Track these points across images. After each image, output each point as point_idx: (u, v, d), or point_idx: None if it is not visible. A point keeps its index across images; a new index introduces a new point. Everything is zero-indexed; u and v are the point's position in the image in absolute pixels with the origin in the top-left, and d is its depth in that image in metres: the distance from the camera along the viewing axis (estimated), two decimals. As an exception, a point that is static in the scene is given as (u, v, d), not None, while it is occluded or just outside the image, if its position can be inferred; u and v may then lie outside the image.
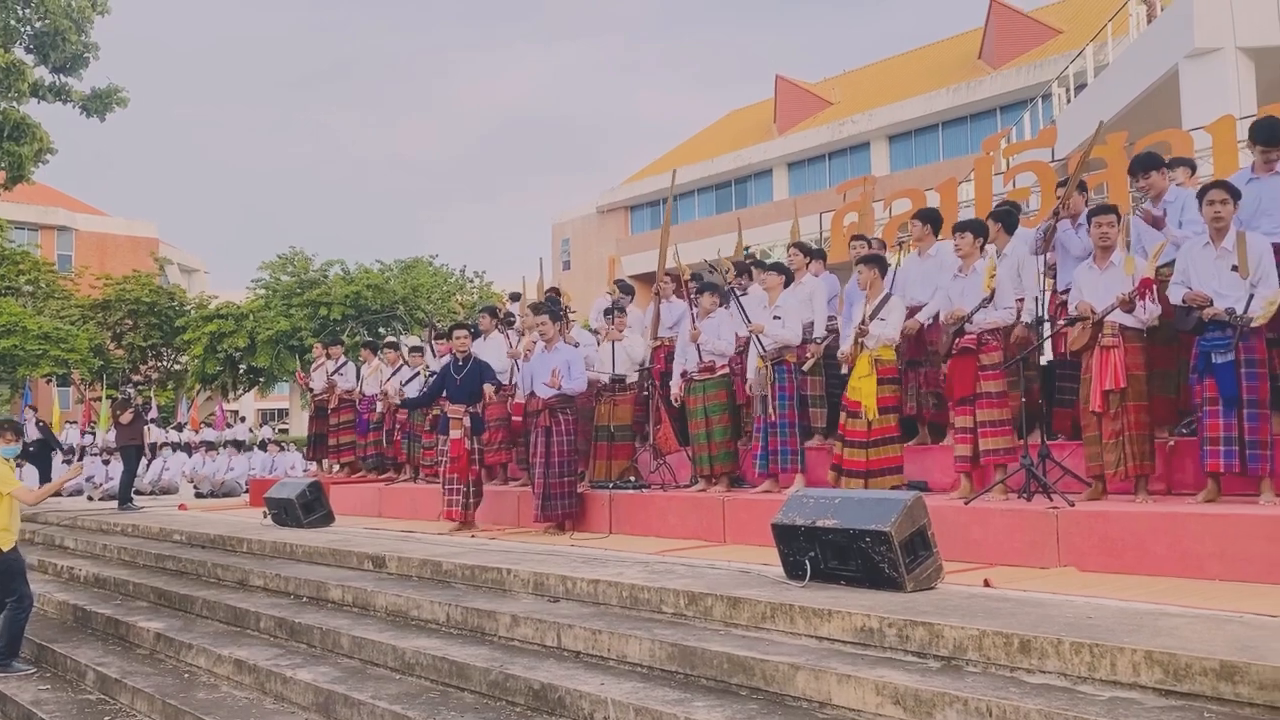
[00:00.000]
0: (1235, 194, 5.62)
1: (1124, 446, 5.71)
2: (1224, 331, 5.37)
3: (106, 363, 32.13)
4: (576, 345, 8.98)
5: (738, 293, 7.90)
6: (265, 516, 10.01)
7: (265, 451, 18.62)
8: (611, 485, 8.36)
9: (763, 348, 7.47)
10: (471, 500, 8.67)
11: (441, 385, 8.90)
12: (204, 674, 6.25)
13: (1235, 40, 13.83)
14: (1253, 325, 5.30)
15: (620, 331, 8.84)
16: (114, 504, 13.22)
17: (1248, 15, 13.80)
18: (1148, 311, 5.70)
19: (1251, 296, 5.32)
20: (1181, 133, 10.06)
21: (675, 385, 8.34)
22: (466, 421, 8.60)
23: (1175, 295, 5.69)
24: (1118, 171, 10.04)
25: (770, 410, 7.38)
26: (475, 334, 9.53)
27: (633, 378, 8.87)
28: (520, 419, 9.03)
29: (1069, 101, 20.24)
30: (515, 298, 11.38)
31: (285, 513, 9.56)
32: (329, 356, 12.81)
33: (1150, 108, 15.31)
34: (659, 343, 9.16)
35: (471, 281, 35.53)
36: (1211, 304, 5.43)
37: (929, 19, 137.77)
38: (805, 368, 7.61)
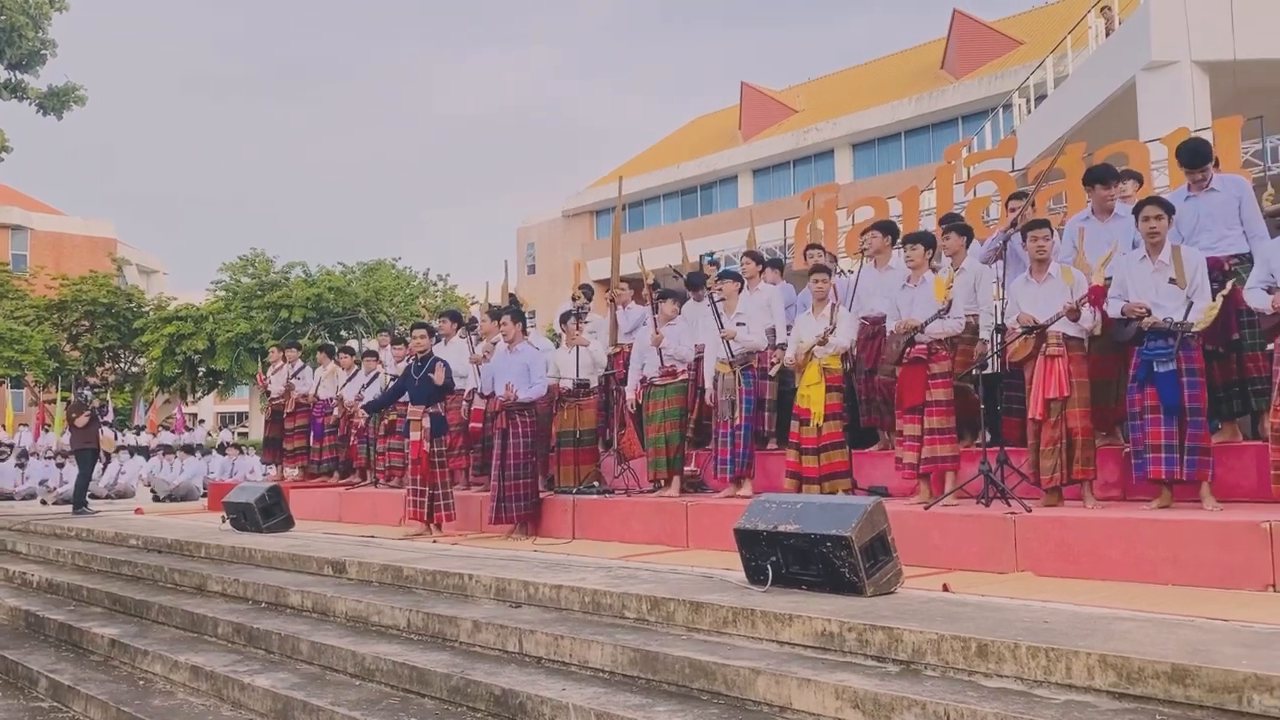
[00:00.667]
0: (1169, 209, 5.75)
1: (1062, 453, 5.80)
2: (1165, 341, 5.49)
3: (62, 364, 31.62)
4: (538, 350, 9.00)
5: (716, 298, 7.84)
6: (224, 521, 9.90)
7: (224, 455, 18.44)
8: (575, 490, 8.35)
9: (730, 353, 7.51)
10: (433, 504, 8.57)
11: (403, 387, 8.85)
12: (160, 681, 6.16)
13: (1191, 54, 14.09)
14: (1193, 331, 5.43)
15: (582, 335, 8.84)
16: (68, 508, 13.01)
17: (1203, 30, 14.06)
18: (1093, 319, 5.81)
19: (1190, 305, 5.45)
20: (1138, 144, 10.23)
21: (631, 391, 8.39)
22: (426, 423, 8.53)
23: (1114, 308, 5.81)
24: (1077, 182, 10.19)
25: (736, 415, 7.42)
26: (434, 335, 9.42)
27: (595, 382, 8.88)
28: (479, 425, 8.98)
29: (1029, 112, 20.51)
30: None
31: (244, 517, 9.46)
32: (286, 360, 12.70)
33: (1109, 119, 15.56)
34: (618, 349, 9.18)
35: (435, 285, 35.37)
36: (1150, 314, 5.55)
37: (893, 28, 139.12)
38: (772, 373, 7.68)
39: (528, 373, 8.26)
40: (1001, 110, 23.14)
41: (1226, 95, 14.29)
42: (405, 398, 8.83)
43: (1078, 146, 10.48)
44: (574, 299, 9.80)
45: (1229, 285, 5.55)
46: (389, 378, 10.75)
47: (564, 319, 9.03)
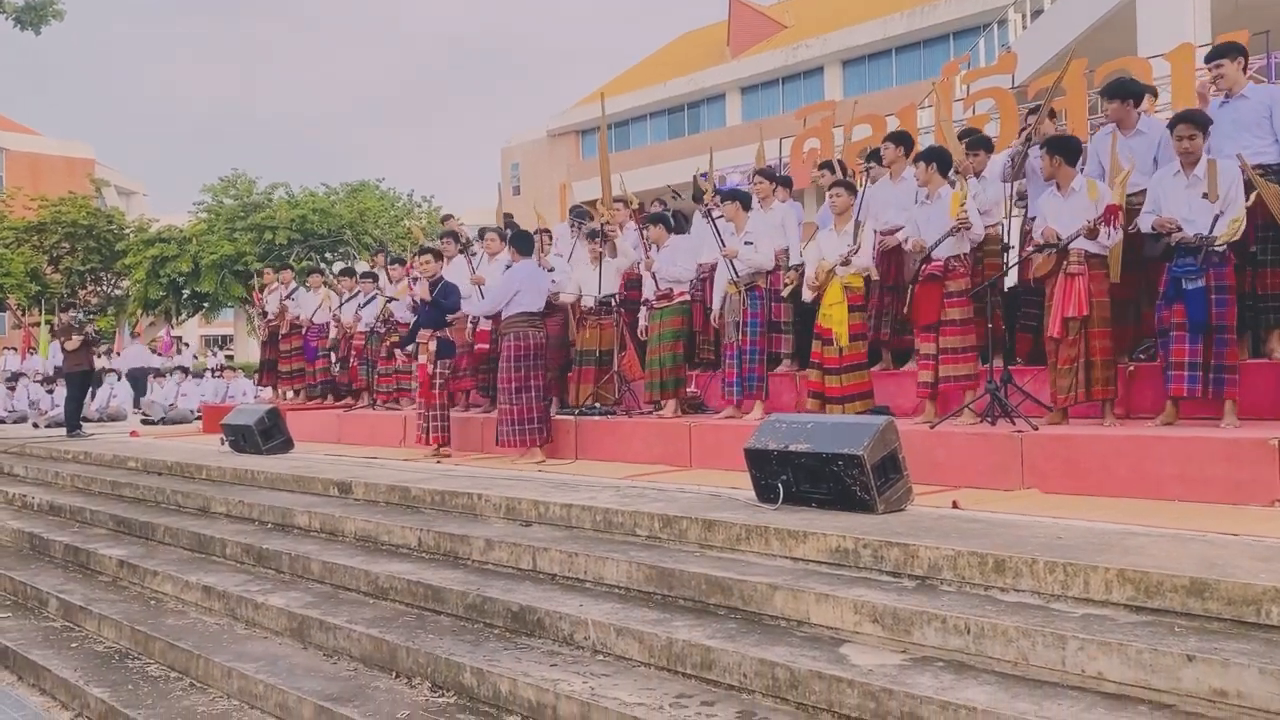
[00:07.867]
0: (1202, 124, 5.67)
1: (1079, 372, 5.79)
2: (1194, 258, 5.44)
3: (44, 288, 31.25)
4: (550, 270, 8.87)
5: (714, 215, 7.75)
6: (222, 443, 9.90)
7: (215, 377, 18.37)
8: (577, 411, 8.35)
9: (735, 273, 7.44)
10: (438, 425, 8.58)
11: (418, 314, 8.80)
12: (171, 600, 6.21)
13: (1192, -33, 13.85)
14: (1217, 245, 5.38)
15: (611, 244, 8.63)
16: (61, 431, 12.98)
17: (1205, -58, 13.81)
18: (1111, 238, 5.77)
19: (1218, 218, 5.40)
20: (1141, 60, 10.09)
21: (643, 315, 8.35)
22: (432, 346, 8.49)
23: (1145, 223, 5.76)
24: (1077, 98, 10.08)
25: (742, 336, 7.39)
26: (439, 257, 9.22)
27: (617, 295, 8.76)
28: (485, 345, 8.94)
29: (1025, 28, 20.21)
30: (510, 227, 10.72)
31: (243, 439, 9.46)
32: (281, 281, 12.61)
33: (1106, 34, 15.35)
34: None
35: (420, 206, 34.94)
36: (1180, 229, 5.51)
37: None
38: (785, 294, 7.62)
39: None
40: (996, 26, 22.80)
41: (1227, 11, 14.09)
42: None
43: (1080, 62, 10.33)
44: (574, 221, 9.66)
45: (1252, 197, 5.49)
46: (385, 300, 10.68)
47: (591, 236, 8.80)
